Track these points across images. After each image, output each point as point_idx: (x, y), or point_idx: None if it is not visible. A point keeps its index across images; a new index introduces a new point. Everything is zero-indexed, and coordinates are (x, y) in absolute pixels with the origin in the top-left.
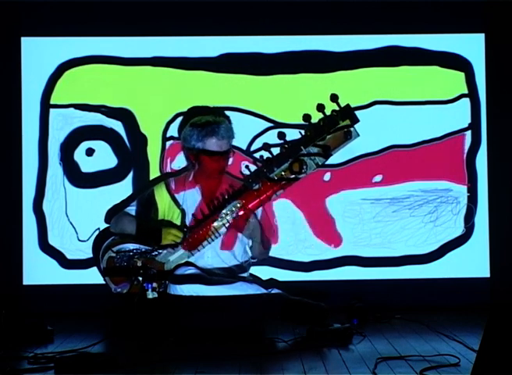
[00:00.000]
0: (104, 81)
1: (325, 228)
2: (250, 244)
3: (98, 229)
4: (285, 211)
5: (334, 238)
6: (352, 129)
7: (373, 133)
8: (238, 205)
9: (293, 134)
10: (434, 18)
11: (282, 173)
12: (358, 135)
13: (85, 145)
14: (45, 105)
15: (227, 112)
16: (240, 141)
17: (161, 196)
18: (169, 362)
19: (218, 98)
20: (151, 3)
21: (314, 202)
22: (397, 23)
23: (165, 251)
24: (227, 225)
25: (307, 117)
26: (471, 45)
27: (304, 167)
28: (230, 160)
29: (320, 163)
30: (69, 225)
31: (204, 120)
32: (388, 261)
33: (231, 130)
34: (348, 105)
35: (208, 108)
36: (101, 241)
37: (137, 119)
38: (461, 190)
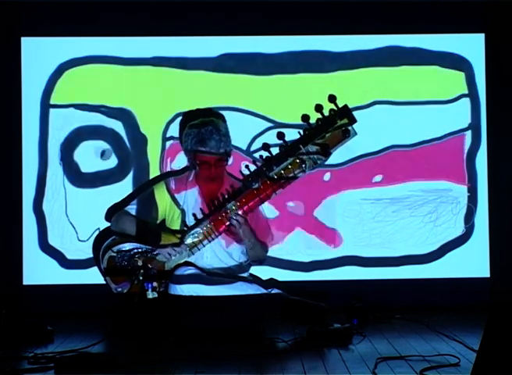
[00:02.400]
0: (104, 81)
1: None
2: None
3: (98, 229)
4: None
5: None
6: (350, 127)
7: (373, 133)
8: (238, 204)
9: (292, 134)
10: (434, 18)
11: (282, 172)
12: (356, 134)
13: (85, 145)
14: (45, 105)
15: (227, 113)
16: (240, 140)
17: (162, 195)
18: (169, 362)
19: (218, 98)
20: (151, 3)
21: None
22: (397, 23)
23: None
24: (227, 224)
25: (305, 117)
26: (471, 45)
27: (303, 166)
28: (229, 162)
29: (319, 162)
30: (69, 225)
31: (197, 130)
32: (388, 261)
33: (224, 141)
34: (346, 105)
35: (205, 111)
36: (101, 240)
37: (137, 119)
38: (461, 190)
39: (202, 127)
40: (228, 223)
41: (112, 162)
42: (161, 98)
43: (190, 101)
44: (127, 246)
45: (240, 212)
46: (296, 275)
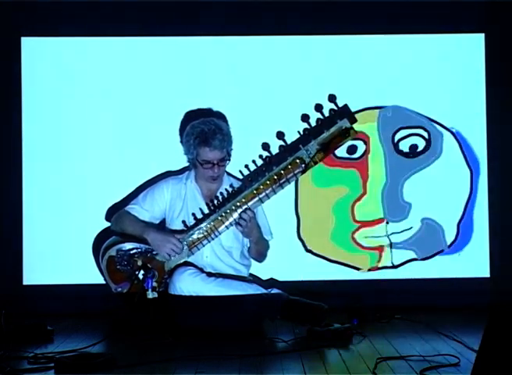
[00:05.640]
0: (104, 81)
1: None
2: (249, 244)
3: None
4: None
5: None
6: (350, 127)
7: None
8: (237, 204)
9: (292, 134)
10: (434, 18)
11: (282, 172)
12: (356, 133)
13: None
14: (45, 105)
15: (229, 112)
16: (240, 140)
17: (161, 195)
18: (169, 362)
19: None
20: (151, 3)
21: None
22: (397, 23)
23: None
24: (226, 224)
25: (305, 117)
26: (471, 45)
27: (303, 166)
28: (226, 167)
29: (318, 161)
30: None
31: (199, 129)
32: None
33: (226, 140)
34: (346, 105)
35: (207, 110)
36: (101, 240)
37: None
38: None
39: (205, 127)
40: (227, 223)
41: None
42: (164, 98)
43: (193, 102)
44: (127, 246)
45: (249, 206)
46: (296, 275)
